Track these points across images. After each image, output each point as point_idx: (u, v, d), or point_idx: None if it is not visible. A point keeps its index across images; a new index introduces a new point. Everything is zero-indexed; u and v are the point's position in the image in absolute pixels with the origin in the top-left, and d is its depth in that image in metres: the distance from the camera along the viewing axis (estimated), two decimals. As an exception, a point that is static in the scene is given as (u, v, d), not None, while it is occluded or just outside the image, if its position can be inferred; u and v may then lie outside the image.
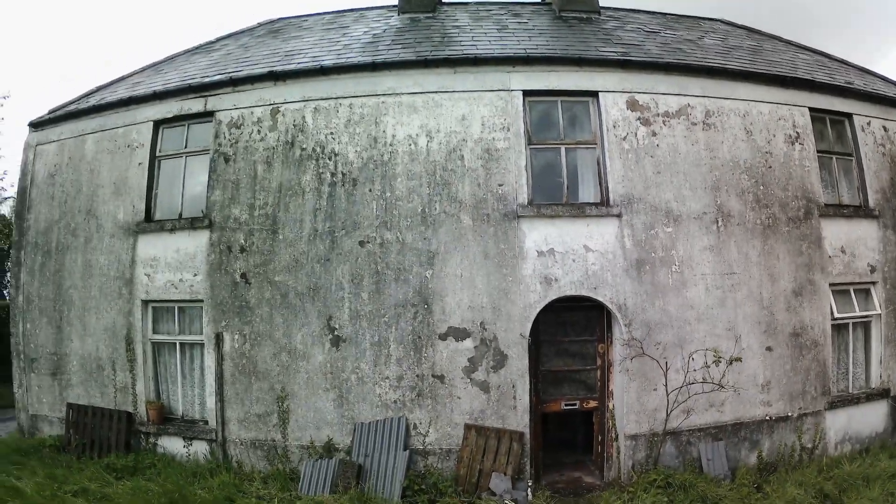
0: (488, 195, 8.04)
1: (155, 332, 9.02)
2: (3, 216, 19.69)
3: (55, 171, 9.93)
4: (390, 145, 8.22)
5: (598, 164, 8.31)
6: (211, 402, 8.45)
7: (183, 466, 8.11)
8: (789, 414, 8.37)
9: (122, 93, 9.95)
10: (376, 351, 7.95)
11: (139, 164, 9.18)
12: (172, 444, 8.61)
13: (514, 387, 7.83)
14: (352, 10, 12.13)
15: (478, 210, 8.02)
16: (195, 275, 8.62)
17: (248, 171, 8.55)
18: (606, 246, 8.02)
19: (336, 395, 7.99)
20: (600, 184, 8.26)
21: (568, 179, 8.27)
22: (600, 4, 11.40)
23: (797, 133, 8.92)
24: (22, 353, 9.93)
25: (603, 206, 8.11)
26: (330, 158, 8.30)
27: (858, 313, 9.10)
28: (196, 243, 8.65)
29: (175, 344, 8.90)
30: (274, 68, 8.81)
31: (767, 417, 8.27)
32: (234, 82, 8.77)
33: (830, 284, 8.82)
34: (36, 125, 10.34)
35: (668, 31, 10.68)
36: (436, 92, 8.29)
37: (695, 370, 7.83)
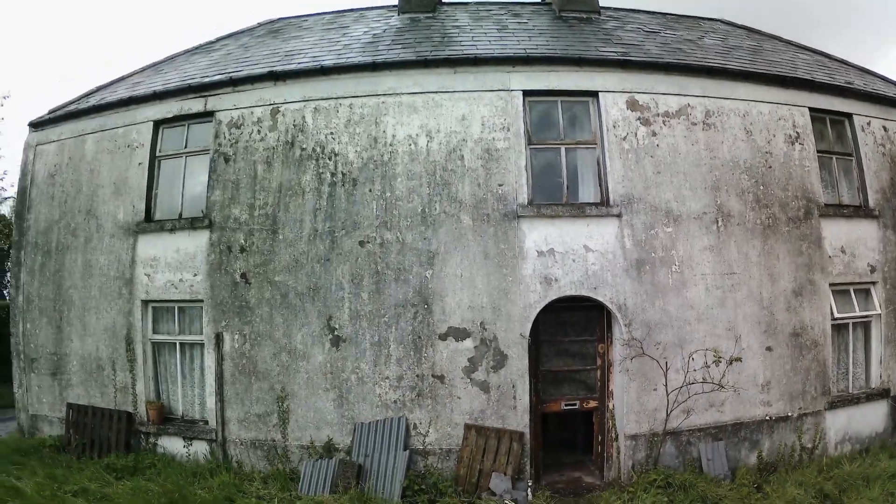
0: (488, 195, 8.04)
1: (155, 332, 9.02)
2: (3, 216, 19.67)
3: (55, 171, 9.93)
4: (390, 145, 8.22)
5: (598, 164, 8.31)
6: (211, 402, 8.45)
7: (183, 466, 8.11)
8: (789, 414, 8.37)
9: (122, 93, 9.95)
10: (376, 351, 7.95)
11: (139, 164, 9.18)
12: (172, 444, 8.61)
13: (514, 387, 7.83)
14: (352, 10, 12.13)
15: (478, 210, 8.02)
16: (195, 275, 8.62)
17: (248, 171, 8.55)
18: (606, 246, 8.02)
19: (336, 395, 7.99)
20: (600, 184, 8.26)
21: (568, 179, 8.27)
22: (600, 4, 11.40)
23: (797, 133, 8.92)
24: (22, 353, 9.93)
25: (603, 206, 8.11)
26: (330, 158, 8.30)
27: (858, 313, 9.10)
28: (196, 243, 8.65)
29: (175, 344, 8.91)
30: (274, 68, 8.81)
31: (767, 417, 8.27)
32: (234, 82, 8.77)
33: (830, 284, 8.82)
34: (36, 125, 10.34)
35: (667, 31, 10.68)
36: (436, 92, 8.29)
37: (695, 370, 7.83)
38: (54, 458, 8.62)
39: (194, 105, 8.98)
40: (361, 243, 8.07)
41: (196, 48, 11.57)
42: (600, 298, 7.96)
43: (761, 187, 8.57)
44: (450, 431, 7.83)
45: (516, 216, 7.98)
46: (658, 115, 8.40)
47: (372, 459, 7.56)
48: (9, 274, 12.52)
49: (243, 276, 8.37)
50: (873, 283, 9.19)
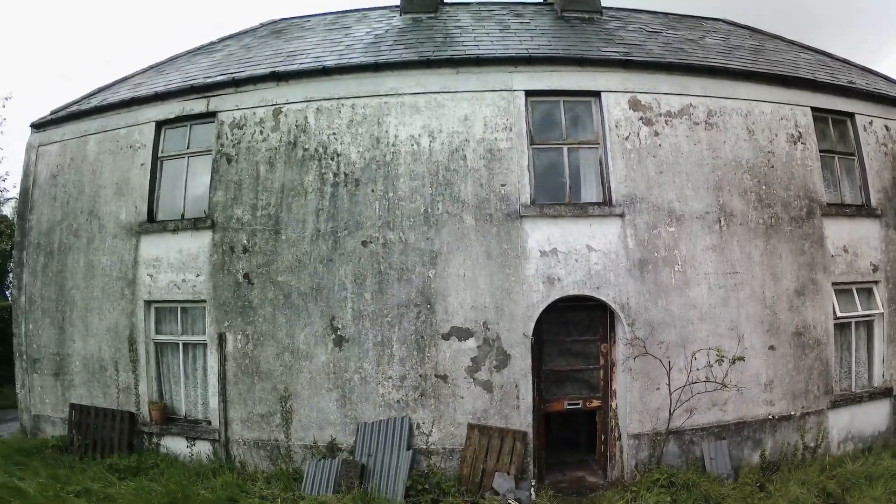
0: (491, 195, 8.05)
1: (158, 332, 9.02)
2: (6, 217, 19.69)
3: (57, 172, 9.93)
4: (393, 145, 8.22)
5: (601, 163, 8.32)
6: (214, 402, 8.45)
7: (186, 467, 8.11)
8: (792, 413, 8.38)
9: (124, 93, 9.95)
10: (379, 351, 7.96)
11: (141, 164, 9.19)
12: (175, 445, 8.62)
13: (517, 386, 7.83)
14: (354, 11, 12.15)
15: (480, 210, 8.02)
16: (198, 275, 8.63)
17: (250, 171, 8.56)
18: (609, 246, 8.02)
19: (339, 394, 8.00)
20: (603, 184, 8.27)
21: (570, 179, 8.28)
22: (602, 4, 11.43)
23: (799, 133, 8.93)
24: (24, 353, 9.93)
25: (605, 206, 8.12)
26: (332, 159, 8.31)
27: (861, 312, 9.10)
28: (199, 244, 8.66)
29: (178, 344, 8.91)
30: (276, 69, 8.82)
31: (770, 416, 8.28)
32: (237, 83, 8.78)
33: (833, 284, 8.83)
34: (38, 126, 10.35)
35: (669, 31, 10.69)
36: (438, 92, 8.29)
37: (698, 369, 7.84)
38: (57, 458, 8.61)
39: (196, 105, 8.98)
40: (364, 243, 8.08)
41: (198, 49, 11.58)
42: (603, 298, 7.97)
43: (764, 187, 8.58)
44: (453, 431, 7.83)
45: (519, 216, 7.98)
46: (660, 114, 8.41)
47: (375, 459, 7.57)
48: (11, 275, 12.52)
49: (246, 276, 8.37)
50: (876, 282, 9.19)
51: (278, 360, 8.17)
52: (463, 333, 7.89)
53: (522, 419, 7.82)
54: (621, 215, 8.07)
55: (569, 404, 8.37)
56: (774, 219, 8.55)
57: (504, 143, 8.15)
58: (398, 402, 7.90)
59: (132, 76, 11.14)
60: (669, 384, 7.77)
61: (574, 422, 9.58)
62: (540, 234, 7.98)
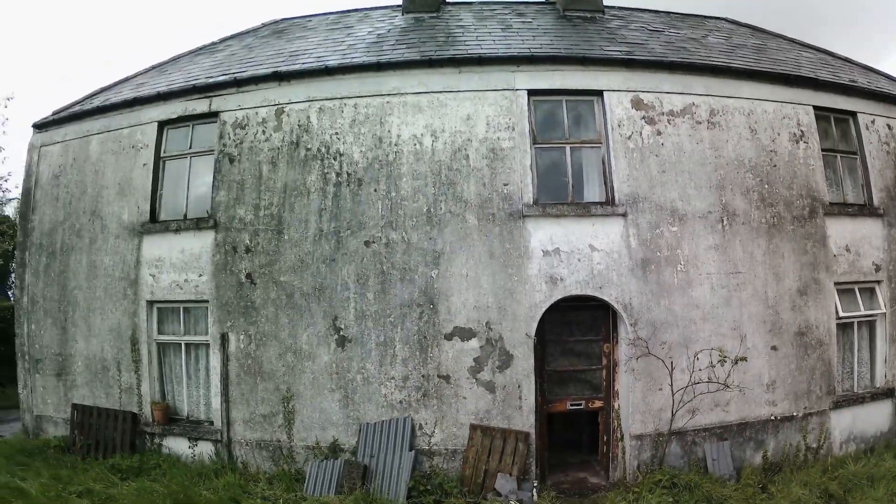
0: (493, 195, 8.04)
1: (160, 332, 9.02)
2: (8, 217, 19.69)
3: (59, 172, 9.93)
4: (395, 145, 8.22)
5: (603, 163, 8.31)
6: (216, 402, 8.45)
7: (188, 467, 8.12)
8: (794, 414, 8.37)
9: (126, 94, 9.95)
10: (382, 351, 7.95)
11: (144, 164, 9.19)
12: (177, 445, 8.62)
13: (519, 387, 7.83)
14: (356, 10, 12.15)
15: (483, 210, 8.01)
16: (200, 275, 8.62)
17: (252, 171, 8.55)
18: (612, 245, 8.01)
19: (341, 395, 7.99)
20: (605, 183, 8.26)
21: (573, 179, 8.27)
22: (604, 3, 11.42)
23: (802, 131, 8.91)
24: (27, 353, 9.94)
25: (608, 206, 8.11)
26: (335, 158, 8.30)
27: (863, 312, 9.09)
28: (201, 244, 8.66)
29: (180, 344, 8.91)
30: (278, 69, 8.82)
31: (772, 417, 8.26)
32: (239, 83, 8.77)
33: (835, 283, 8.81)
34: (40, 126, 10.35)
35: (672, 30, 10.68)
36: (440, 92, 8.29)
37: (700, 370, 7.82)
38: (59, 458, 8.62)
39: (199, 106, 8.98)
40: (367, 243, 8.07)
41: (200, 49, 11.58)
42: (606, 298, 7.96)
43: (766, 186, 8.56)
44: (455, 432, 7.83)
45: (522, 216, 7.97)
46: (663, 114, 8.40)
47: (377, 460, 7.56)
48: (13, 275, 12.53)
49: (248, 276, 8.37)
50: (878, 281, 9.18)
51: (281, 360, 8.17)
52: (465, 333, 7.88)
53: (525, 420, 7.82)
54: (624, 215, 8.06)
55: (571, 405, 8.36)
56: (777, 218, 8.54)
57: (507, 142, 8.14)
58: (400, 402, 7.89)
59: (134, 76, 11.14)
60: (672, 384, 7.76)
61: (576, 422, 9.57)
62: (543, 234, 7.97)
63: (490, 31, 9.84)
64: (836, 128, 9.44)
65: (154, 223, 9.03)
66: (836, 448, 8.55)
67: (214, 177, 8.75)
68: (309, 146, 8.40)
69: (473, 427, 7.77)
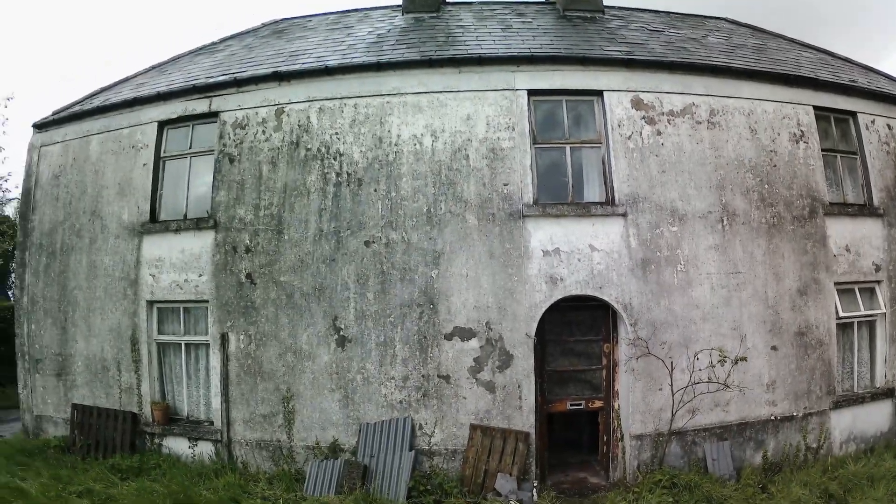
0: (493, 195, 8.04)
1: (160, 332, 9.02)
2: (8, 217, 19.68)
3: (60, 172, 9.93)
4: (395, 145, 8.22)
5: (603, 163, 8.31)
6: (216, 402, 8.45)
7: (188, 467, 8.12)
8: (794, 414, 8.37)
9: (126, 94, 9.95)
10: (382, 351, 7.95)
11: (144, 164, 9.19)
12: (177, 445, 8.62)
13: (519, 387, 7.83)
14: (356, 10, 12.15)
15: (483, 210, 8.01)
16: (200, 275, 8.62)
17: (252, 171, 8.55)
18: (612, 245, 8.01)
19: (341, 395, 7.99)
20: (605, 183, 8.26)
21: (573, 179, 8.27)
22: (604, 3, 11.42)
23: (802, 131, 8.91)
24: (27, 354, 9.94)
25: (608, 206, 8.11)
26: (335, 158, 8.30)
27: (863, 312, 9.09)
28: (201, 244, 8.66)
29: (180, 344, 8.91)
30: (278, 69, 8.82)
31: (772, 417, 8.26)
32: (239, 83, 8.77)
33: (835, 283, 8.82)
34: (40, 126, 10.35)
35: (672, 30, 10.68)
36: (440, 92, 8.28)
37: (700, 370, 7.82)
38: (59, 458, 8.62)
39: (199, 106, 8.98)
40: (367, 243, 8.07)
41: (200, 49, 11.58)
42: (606, 298, 7.96)
43: (766, 186, 8.56)
44: (455, 432, 7.83)
45: (522, 216, 7.97)
46: (663, 114, 8.40)
47: (377, 460, 7.56)
48: (13, 275, 12.53)
49: (249, 276, 8.37)
50: (878, 281, 9.18)
51: (281, 360, 8.17)
52: (465, 333, 7.88)
53: (525, 420, 7.82)
54: (624, 215, 8.06)
55: (571, 405, 8.36)
56: (777, 218, 8.54)
57: (507, 142, 8.14)
58: (400, 402, 7.89)
59: (134, 76, 11.14)
60: (672, 384, 7.76)
61: (576, 422, 9.57)
62: (543, 234, 7.97)
63: (490, 30, 9.84)
64: (836, 128, 9.44)
65: (154, 223, 9.03)
66: (836, 448, 8.55)
67: (214, 177, 8.74)
68: (309, 146, 8.40)
69: (473, 427, 7.77)
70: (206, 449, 8.45)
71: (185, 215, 8.96)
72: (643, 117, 8.33)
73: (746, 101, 8.73)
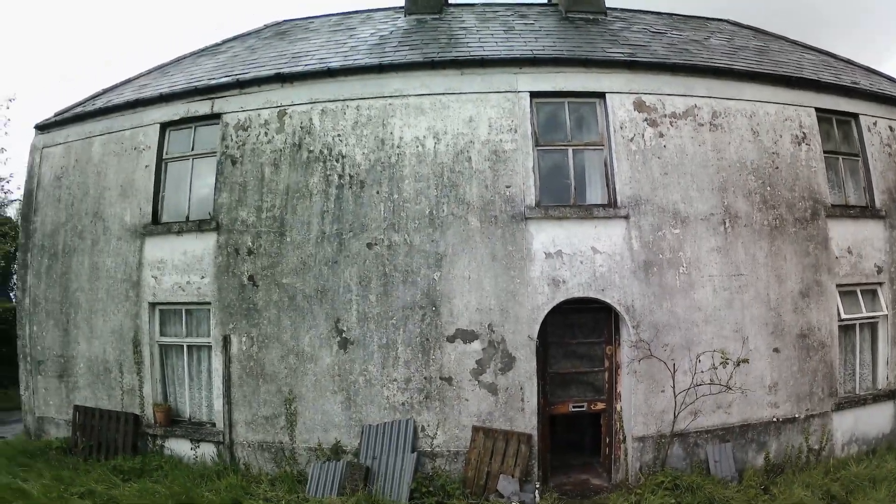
0: (496, 197, 8.04)
1: (162, 334, 9.02)
2: (10, 219, 19.69)
3: (61, 174, 9.94)
4: (398, 147, 8.22)
5: (606, 165, 8.31)
6: (218, 404, 8.45)
7: (190, 468, 8.12)
8: (796, 415, 8.37)
9: (128, 95, 9.96)
10: (384, 353, 7.95)
11: (146, 166, 9.19)
12: (180, 447, 8.62)
13: (521, 389, 7.83)
14: (358, 12, 12.16)
15: (485, 212, 8.01)
16: (202, 277, 8.62)
17: (255, 173, 8.55)
18: (614, 247, 8.02)
19: (344, 397, 7.99)
20: (608, 185, 8.26)
21: (575, 181, 8.27)
22: (606, 5, 11.42)
23: (804, 133, 8.92)
24: (29, 355, 9.94)
25: (610, 208, 8.11)
26: (337, 160, 8.30)
27: (865, 314, 9.09)
28: (203, 245, 8.66)
29: (182, 346, 8.91)
30: (281, 70, 8.82)
31: (774, 419, 8.27)
32: (241, 84, 8.78)
33: (837, 285, 8.82)
34: (42, 128, 10.36)
35: (674, 32, 10.69)
36: (443, 94, 8.29)
37: (702, 372, 7.82)
38: (61, 460, 8.63)
39: (201, 107, 8.98)
40: (369, 245, 8.07)
41: (202, 50, 11.59)
42: (608, 300, 7.96)
43: (768, 188, 8.57)
44: (457, 433, 7.83)
45: (524, 218, 7.98)
46: (665, 115, 8.40)
47: (379, 462, 7.57)
48: (15, 277, 12.52)
49: (251, 278, 8.37)
50: (880, 283, 9.18)
51: (283, 362, 8.17)
52: (468, 336, 7.88)
53: (527, 421, 7.82)
54: (626, 217, 8.06)
55: (574, 407, 8.36)
56: (779, 220, 8.54)
57: (509, 144, 8.15)
58: (403, 404, 7.89)
59: (136, 78, 11.15)
60: (674, 386, 7.77)
61: (579, 424, 9.57)
62: (545, 236, 7.98)
63: (492, 32, 9.84)
64: (837, 130, 9.44)
65: (156, 225, 9.03)
66: (837, 450, 8.56)
67: (217, 178, 8.75)
68: (311, 148, 8.40)
69: (476, 429, 7.77)
70: (208, 450, 8.45)
71: (188, 217, 8.96)
72: (645, 119, 8.34)
73: (748, 103, 8.74)
